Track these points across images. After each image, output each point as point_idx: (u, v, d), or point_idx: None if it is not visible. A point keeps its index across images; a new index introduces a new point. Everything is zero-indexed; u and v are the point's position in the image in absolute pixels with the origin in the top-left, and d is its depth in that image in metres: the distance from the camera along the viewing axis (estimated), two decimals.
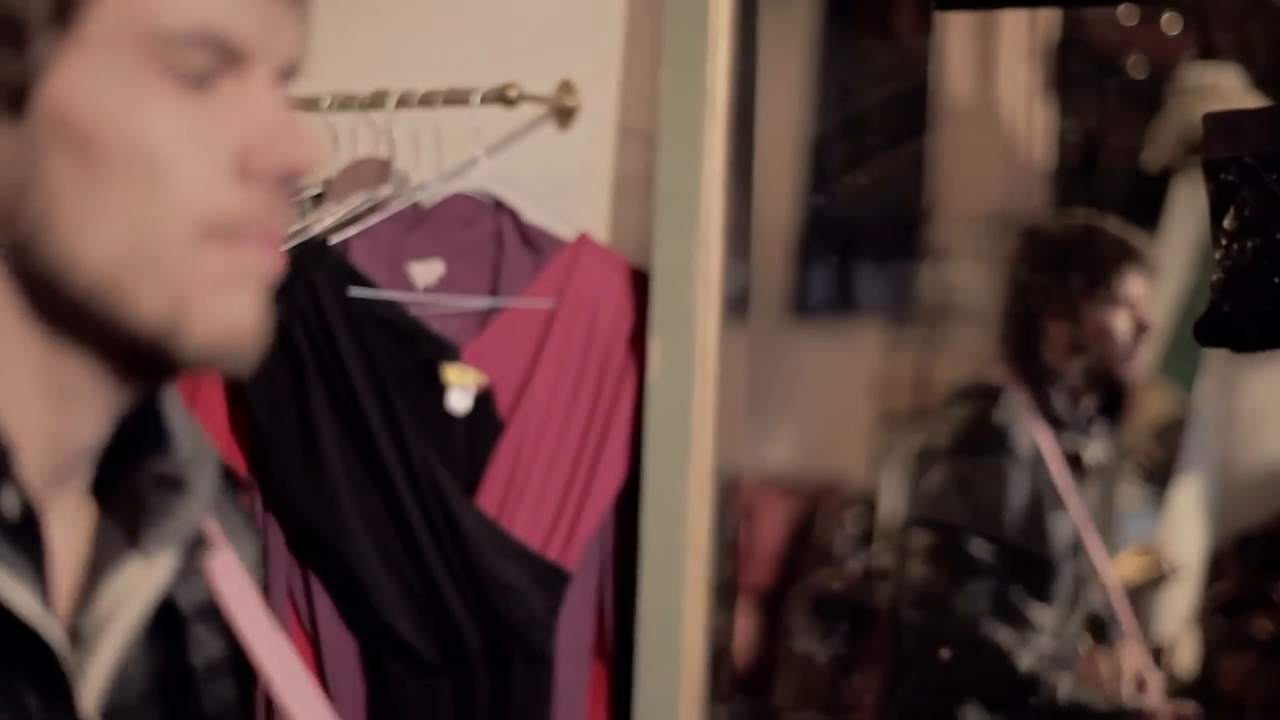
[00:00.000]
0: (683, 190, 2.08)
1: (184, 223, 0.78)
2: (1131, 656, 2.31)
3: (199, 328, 0.79)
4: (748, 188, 2.21)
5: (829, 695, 3.11)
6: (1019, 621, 2.17)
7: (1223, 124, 1.81)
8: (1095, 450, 2.30)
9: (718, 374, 2.10)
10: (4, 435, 0.78)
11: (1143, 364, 2.28)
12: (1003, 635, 2.16)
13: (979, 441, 2.22)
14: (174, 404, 0.89)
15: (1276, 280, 1.70)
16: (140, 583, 0.84)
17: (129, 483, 0.85)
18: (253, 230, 0.80)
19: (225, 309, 0.80)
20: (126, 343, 0.80)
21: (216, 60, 0.80)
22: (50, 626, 0.77)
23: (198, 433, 0.90)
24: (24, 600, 0.76)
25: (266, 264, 0.82)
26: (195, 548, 0.88)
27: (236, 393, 2.00)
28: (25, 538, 0.78)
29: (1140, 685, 2.25)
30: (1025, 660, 2.17)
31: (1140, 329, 2.26)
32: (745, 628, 3.26)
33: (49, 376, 0.80)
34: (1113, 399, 2.63)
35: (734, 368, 2.15)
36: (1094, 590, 2.70)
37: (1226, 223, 1.75)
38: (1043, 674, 2.18)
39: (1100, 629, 2.50)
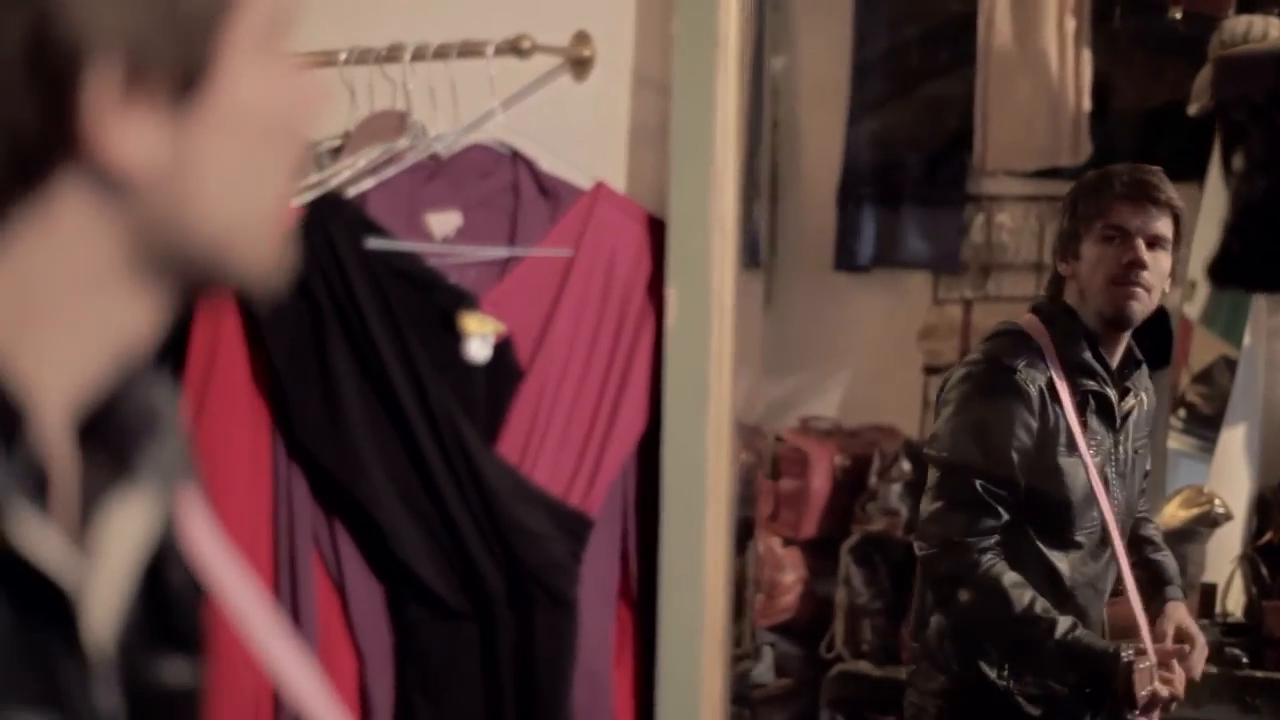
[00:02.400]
0: (697, 138, 2.09)
1: (294, 180, 0.87)
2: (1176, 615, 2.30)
3: (259, 256, 0.86)
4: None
5: (880, 643, 3.12)
6: (1030, 562, 2.17)
7: (1233, 65, 1.81)
8: (1131, 399, 2.28)
9: (734, 318, 2.11)
10: (23, 392, 0.79)
11: (1155, 305, 2.25)
12: (1006, 574, 2.17)
13: (989, 382, 2.22)
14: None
15: None
16: (138, 516, 0.85)
17: (114, 417, 0.86)
18: None
19: (275, 237, 0.87)
20: (216, 290, 0.87)
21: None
22: (71, 574, 0.79)
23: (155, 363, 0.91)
24: (50, 550, 0.78)
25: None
26: (176, 478, 0.90)
27: (257, 345, 2.03)
28: (42, 487, 0.79)
29: (1159, 638, 2.24)
30: (1025, 599, 2.17)
31: (1133, 264, 2.21)
32: (796, 578, 3.28)
33: (122, 328, 0.83)
34: (1156, 346, 2.61)
35: (750, 312, 2.17)
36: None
37: (1236, 163, 1.75)
38: (1044, 613, 2.18)
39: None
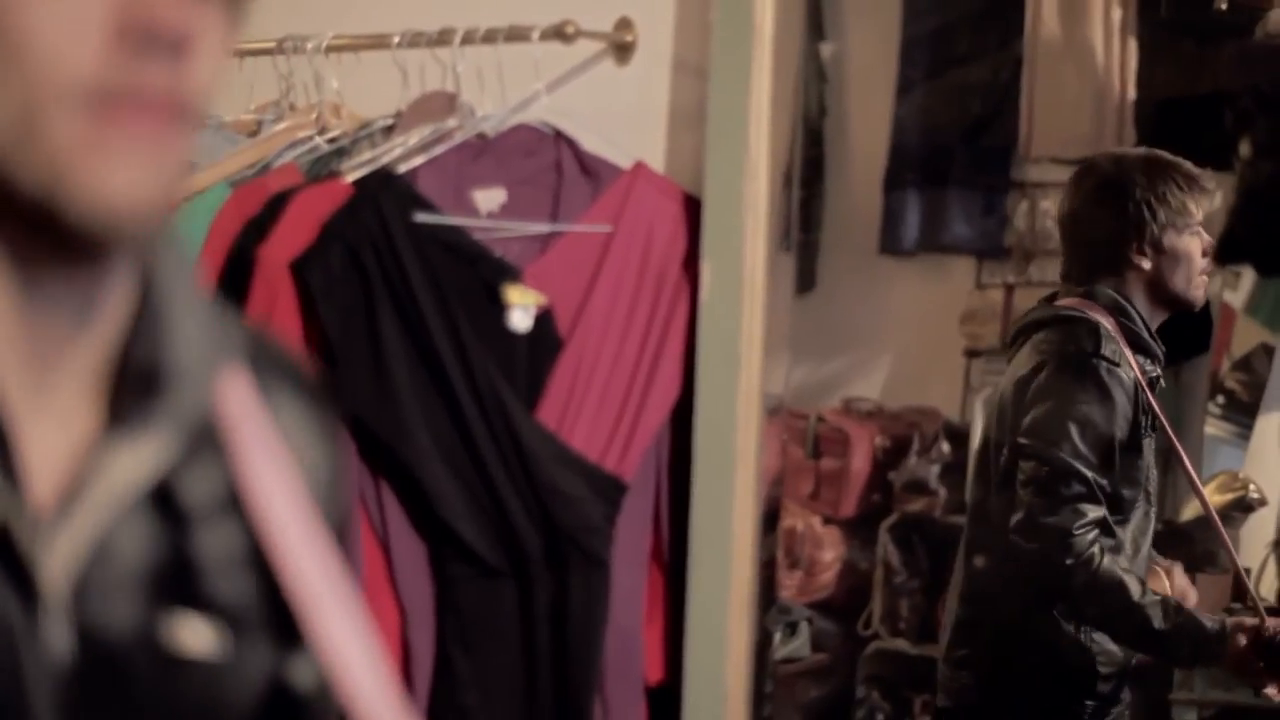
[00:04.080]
0: (732, 122, 2.18)
1: (53, 90, 0.79)
2: (1176, 576, 2.35)
3: (81, 196, 0.79)
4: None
5: (917, 621, 3.18)
6: (1109, 545, 2.19)
7: (1242, 54, 1.87)
8: (1163, 374, 2.33)
9: (765, 295, 2.19)
10: None
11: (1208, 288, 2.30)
12: (1116, 563, 2.19)
13: (1090, 375, 2.22)
14: (181, 294, 0.89)
15: None
16: (119, 462, 0.84)
17: (120, 369, 0.86)
18: (137, 99, 0.80)
19: (109, 178, 0.80)
20: (19, 216, 0.81)
21: None
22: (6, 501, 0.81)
23: (220, 324, 0.91)
24: None
25: (156, 136, 0.81)
26: (206, 437, 0.87)
27: (310, 314, 2.14)
28: None
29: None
30: (1137, 585, 2.19)
31: (1205, 253, 2.28)
32: (835, 555, 3.35)
33: (11, 277, 0.82)
34: (1196, 333, 2.66)
35: (782, 290, 2.24)
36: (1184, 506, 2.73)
37: (1243, 149, 1.81)
38: (1154, 597, 2.20)
39: (1179, 545, 2.54)
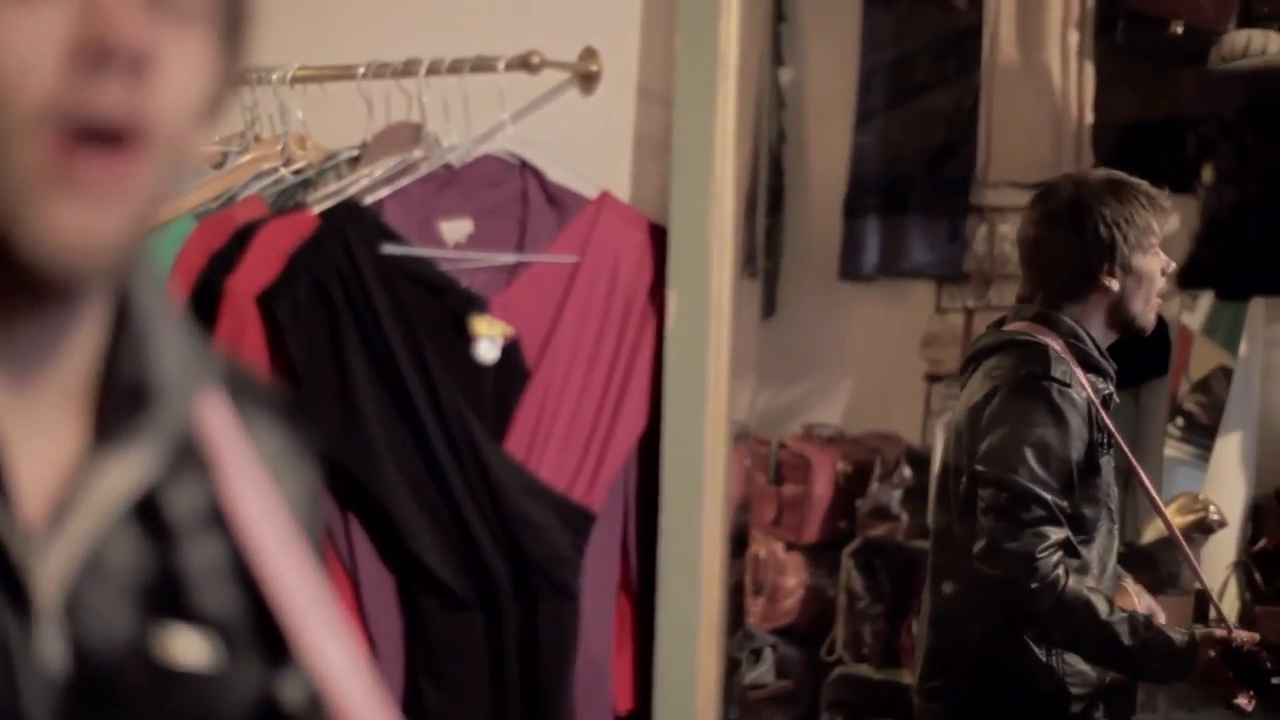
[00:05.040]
0: (697, 149, 2.18)
1: (12, 115, 0.77)
2: (1142, 594, 2.36)
3: (34, 237, 0.78)
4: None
5: (880, 646, 3.18)
6: (1074, 565, 2.20)
7: (1203, 82, 1.89)
8: (1120, 394, 2.34)
9: (732, 323, 2.20)
10: None
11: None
12: (1082, 584, 2.19)
13: (1043, 398, 2.22)
14: (157, 312, 0.89)
15: (1250, 229, 1.78)
16: (108, 475, 0.84)
17: (105, 385, 0.86)
18: (94, 124, 0.78)
19: (63, 219, 0.78)
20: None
21: None
22: None
23: (197, 345, 0.91)
24: None
25: (117, 167, 0.79)
26: (188, 454, 0.88)
27: (278, 346, 2.13)
28: None
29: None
30: (1104, 604, 2.20)
31: (1163, 272, 2.29)
32: (798, 582, 3.35)
33: None
34: (1154, 354, 2.67)
35: (748, 317, 2.24)
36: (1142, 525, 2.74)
37: (1205, 175, 1.83)
38: (1121, 614, 2.21)
39: (1140, 567, 2.55)
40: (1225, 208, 1.72)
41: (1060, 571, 2.18)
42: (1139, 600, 2.32)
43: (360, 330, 2.13)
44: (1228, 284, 1.71)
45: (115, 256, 0.81)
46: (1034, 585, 2.18)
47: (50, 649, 0.82)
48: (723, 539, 2.19)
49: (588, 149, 2.26)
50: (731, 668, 2.41)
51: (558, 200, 2.23)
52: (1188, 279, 1.79)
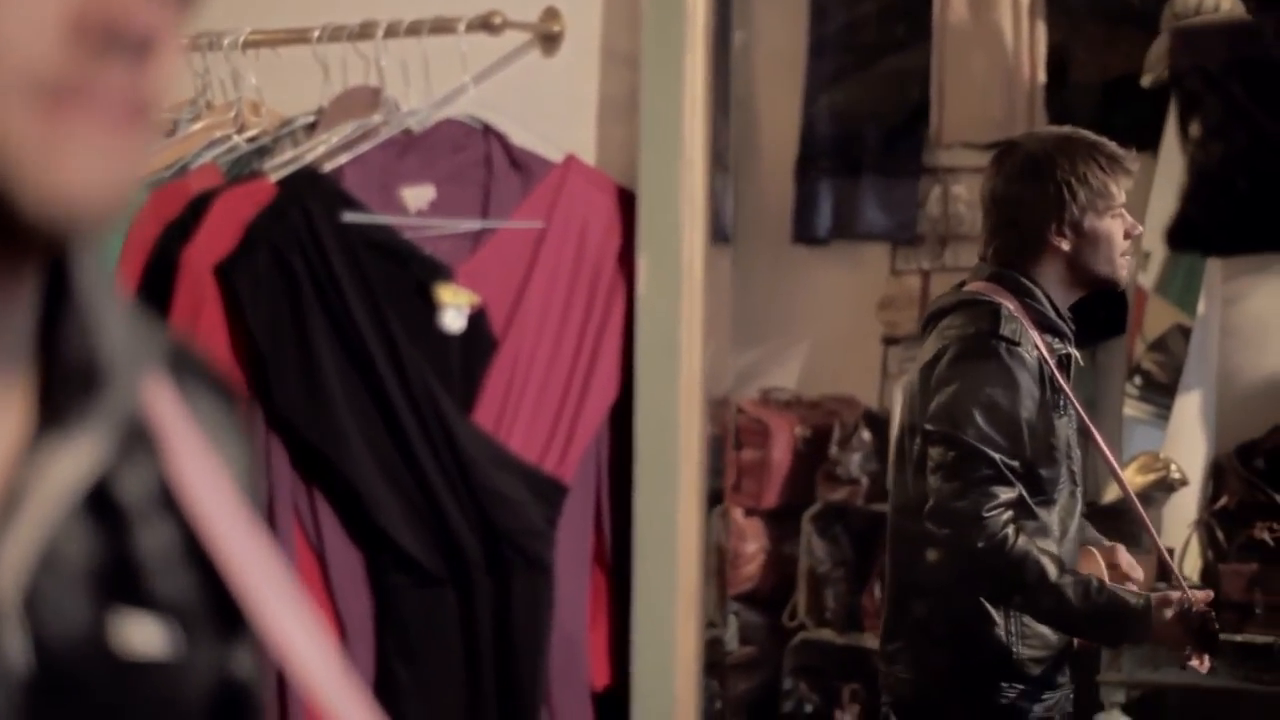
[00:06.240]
0: (666, 112, 2.13)
1: (5, 81, 0.76)
2: (1121, 555, 2.35)
3: (37, 190, 0.77)
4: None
5: (842, 611, 3.17)
6: (1033, 527, 2.19)
7: (1188, 36, 1.86)
8: (1077, 352, 2.33)
9: (703, 288, 2.15)
10: None
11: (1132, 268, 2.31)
12: (1032, 545, 2.18)
13: (991, 356, 2.22)
14: (98, 290, 0.87)
15: (1239, 185, 1.75)
16: (59, 462, 0.82)
17: (47, 366, 0.84)
18: (95, 98, 0.78)
19: (65, 173, 0.77)
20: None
21: None
22: None
23: (139, 324, 0.89)
24: None
25: (113, 135, 0.78)
26: (136, 436, 0.87)
27: (237, 318, 2.07)
28: None
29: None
30: (1054, 565, 2.19)
31: (1127, 235, 2.28)
32: (758, 547, 3.33)
33: None
34: (1111, 314, 2.66)
35: (719, 282, 2.21)
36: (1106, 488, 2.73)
37: (1192, 130, 1.80)
38: (1075, 576, 2.20)
39: (1103, 526, 2.54)
40: (1213, 163, 1.69)
41: (1009, 531, 2.17)
42: (1118, 559, 2.31)
43: (322, 301, 2.07)
44: (1220, 241, 1.68)
45: (109, 214, 0.80)
46: (980, 544, 2.17)
47: (11, 646, 0.79)
48: (699, 510, 2.15)
49: (552, 112, 2.20)
50: (714, 640, 2.37)
51: (522, 164, 2.17)
52: (1176, 239, 1.76)
